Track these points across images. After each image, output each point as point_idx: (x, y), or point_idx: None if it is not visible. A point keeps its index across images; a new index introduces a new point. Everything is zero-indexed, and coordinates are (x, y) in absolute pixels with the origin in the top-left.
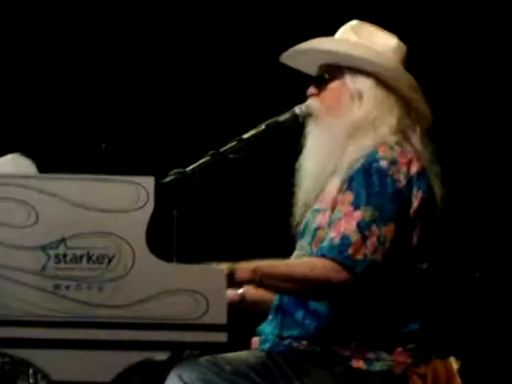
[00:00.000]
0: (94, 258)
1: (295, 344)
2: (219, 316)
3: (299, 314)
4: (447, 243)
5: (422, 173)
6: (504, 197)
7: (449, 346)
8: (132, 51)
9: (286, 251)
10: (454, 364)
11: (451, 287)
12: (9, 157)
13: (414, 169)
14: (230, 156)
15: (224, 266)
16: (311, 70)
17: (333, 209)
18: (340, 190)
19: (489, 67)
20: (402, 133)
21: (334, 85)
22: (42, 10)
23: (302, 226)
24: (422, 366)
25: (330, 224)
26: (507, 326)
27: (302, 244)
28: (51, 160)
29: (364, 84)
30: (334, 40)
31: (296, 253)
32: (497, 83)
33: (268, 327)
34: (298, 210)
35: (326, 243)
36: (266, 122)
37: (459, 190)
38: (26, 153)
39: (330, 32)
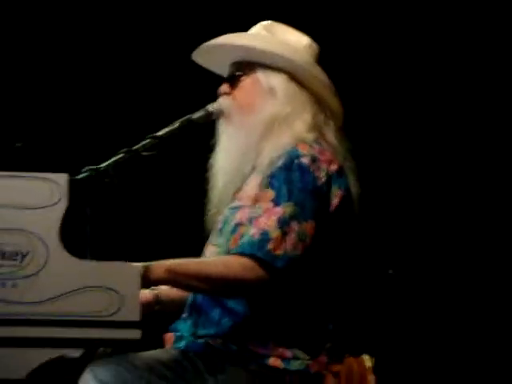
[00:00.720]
0: (7, 254)
1: (211, 342)
2: (133, 313)
3: (215, 313)
4: (363, 241)
5: (340, 171)
6: (416, 192)
7: (362, 344)
8: (45, 49)
9: (200, 249)
10: (368, 361)
11: (365, 284)
12: None
13: (334, 167)
14: (144, 153)
15: (138, 265)
16: (223, 69)
17: (253, 206)
18: (260, 187)
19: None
20: (317, 130)
21: (246, 82)
22: None
23: (219, 224)
24: (336, 364)
25: (249, 221)
26: (420, 322)
27: (220, 242)
28: None
29: (277, 80)
30: (247, 35)
31: (212, 250)
32: (403, 74)
33: (182, 325)
34: (212, 207)
35: (245, 240)
36: (180, 120)
37: (372, 187)
38: None
39: (241, 31)
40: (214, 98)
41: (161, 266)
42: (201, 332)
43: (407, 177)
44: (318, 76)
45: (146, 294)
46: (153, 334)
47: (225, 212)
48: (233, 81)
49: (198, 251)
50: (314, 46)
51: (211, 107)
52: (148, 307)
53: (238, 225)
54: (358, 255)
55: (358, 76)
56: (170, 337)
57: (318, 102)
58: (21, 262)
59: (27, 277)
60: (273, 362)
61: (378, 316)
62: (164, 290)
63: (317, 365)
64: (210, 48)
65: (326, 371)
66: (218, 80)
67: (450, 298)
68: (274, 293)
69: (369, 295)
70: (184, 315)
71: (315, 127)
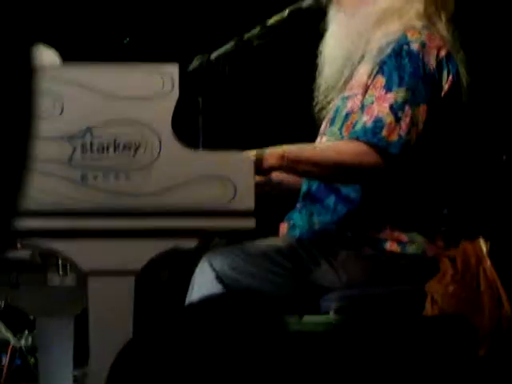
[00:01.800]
0: (120, 146)
1: (326, 229)
2: (247, 202)
3: (330, 200)
4: (474, 127)
5: (449, 57)
6: None
7: (478, 229)
8: None
9: (311, 137)
10: (483, 246)
11: (479, 170)
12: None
13: (443, 53)
14: (254, 42)
15: (252, 153)
16: None
17: (364, 94)
18: (371, 75)
19: None
20: (428, 19)
21: None
22: None
23: (331, 113)
24: (451, 248)
25: (361, 108)
26: None
27: (333, 130)
28: (74, 52)
29: None
30: None
31: (324, 140)
32: None
33: (297, 214)
34: (321, 95)
35: (358, 127)
36: (289, 8)
37: (483, 77)
38: (49, 43)
39: None
40: None
41: (275, 152)
42: (315, 220)
43: None
44: None
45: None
46: (267, 222)
47: (336, 101)
48: None
49: (309, 139)
50: None
51: None
52: (258, 188)
53: (350, 113)
54: (470, 141)
55: None
56: (284, 226)
57: None
58: (134, 153)
59: (141, 168)
60: (390, 246)
61: (492, 201)
62: (275, 172)
63: (433, 248)
64: None
65: (442, 255)
66: None
67: None
68: (389, 178)
69: (483, 181)
70: (298, 205)
71: (426, 16)
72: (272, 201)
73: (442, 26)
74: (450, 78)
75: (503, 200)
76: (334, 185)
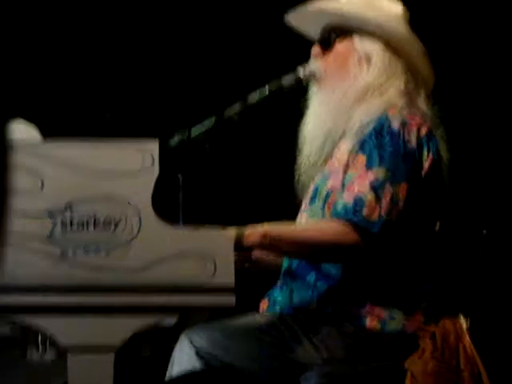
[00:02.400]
0: (100, 222)
1: (306, 305)
2: (227, 279)
3: (311, 277)
4: (455, 203)
5: (430, 135)
6: (506, 154)
7: (458, 305)
8: (129, 14)
9: (292, 215)
10: (463, 322)
11: (459, 245)
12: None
13: (424, 131)
14: (234, 119)
15: (232, 231)
16: (313, 31)
17: (345, 172)
18: (351, 153)
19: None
20: (408, 96)
21: (340, 46)
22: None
23: (311, 191)
24: (431, 325)
25: (342, 187)
26: None
27: (314, 208)
28: (54, 128)
29: (373, 47)
30: (343, 1)
31: (305, 217)
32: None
33: (277, 291)
34: (302, 172)
35: (339, 206)
36: (270, 85)
37: (462, 151)
38: (29, 119)
39: None
40: (301, 61)
41: (255, 231)
42: (296, 296)
43: (502, 139)
44: (414, 44)
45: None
46: (248, 299)
47: (316, 179)
48: (326, 44)
49: (289, 217)
50: (407, 13)
51: (302, 70)
52: (238, 264)
53: (331, 191)
54: (450, 217)
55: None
56: (264, 303)
57: (410, 69)
58: (114, 229)
59: (121, 244)
60: (370, 322)
61: (472, 276)
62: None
63: (413, 324)
64: (304, 11)
65: (422, 332)
66: (305, 44)
67: None
68: (370, 255)
69: (463, 256)
70: (278, 282)
71: (406, 94)
72: (252, 277)
73: (421, 102)
74: (431, 156)
75: (483, 275)
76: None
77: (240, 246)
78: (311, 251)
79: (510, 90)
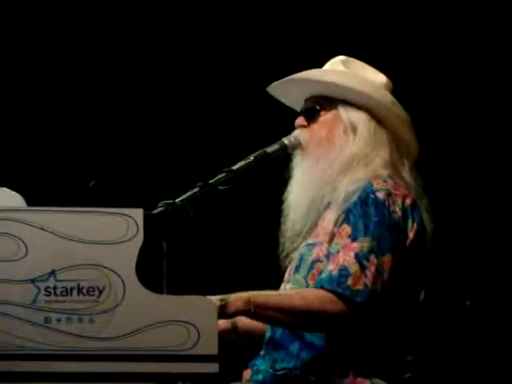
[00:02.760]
0: (84, 290)
1: (289, 374)
2: (210, 347)
3: (294, 347)
4: (438, 274)
5: (414, 206)
6: (491, 225)
7: (439, 376)
8: (114, 86)
9: (276, 283)
10: None
11: (443, 316)
12: None
13: (408, 201)
14: (219, 187)
15: (216, 298)
16: (296, 102)
17: (330, 242)
18: (337, 223)
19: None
20: (392, 166)
21: (325, 117)
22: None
23: (296, 260)
24: None
25: (327, 257)
26: (499, 353)
27: (297, 278)
28: (39, 196)
29: (358, 117)
30: (328, 71)
31: (289, 287)
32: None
33: (260, 361)
34: (286, 241)
35: (324, 276)
36: (255, 154)
37: (445, 220)
38: (13, 187)
39: (317, 65)
40: (286, 131)
41: (241, 297)
42: (279, 366)
43: (484, 209)
44: (399, 114)
45: (223, 321)
46: (231, 368)
47: (301, 248)
48: (311, 114)
49: (274, 285)
50: (390, 83)
51: (287, 140)
52: (224, 335)
53: (316, 261)
54: (434, 287)
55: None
56: (247, 373)
57: (394, 138)
58: (98, 297)
59: (104, 312)
60: None
61: (456, 347)
62: (242, 320)
63: None
64: (289, 82)
65: None
66: (289, 114)
67: None
68: (354, 325)
69: (446, 327)
70: (262, 352)
71: (391, 164)
72: (236, 347)
73: (405, 173)
74: (415, 226)
75: (467, 346)
76: (299, 331)
77: (224, 313)
78: (296, 319)
79: (490, 161)
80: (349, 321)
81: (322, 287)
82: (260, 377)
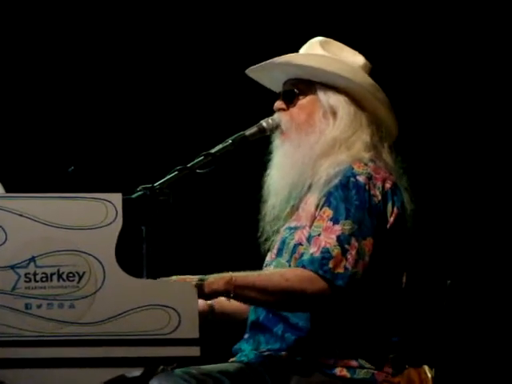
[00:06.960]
0: (64, 275)
1: (275, 355)
2: (191, 330)
3: (278, 329)
4: (419, 253)
5: (395, 189)
6: (471, 203)
7: (422, 355)
8: (92, 71)
9: (256, 266)
10: (428, 372)
11: (423, 296)
12: None
13: (388, 185)
14: (198, 171)
15: (194, 278)
16: (275, 85)
17: (311, 225)
18: (318, 206)
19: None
20: (373, 149)
21: (305, 100)
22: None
23: (278, 244)
24: (397, 375)
25: (308, 239)
26: (480, 333)
27: (280, 261)
28: (18, 182)
29: (338, 100)
30: (306, 55)
31: (272, 269)
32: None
33: (244, 344)
34: (266, 224)
35: (306, 257)
36: (233, 137)
37: (425, 200)
38: None
39: (295, 46)
40: (265, 113)
41: (219, 278)
42: (264, 347)
43: (466, 187)
44: (378, 96)
45: (201, 303)
46: (215, 353)
47: (282, 231)
48: (290, 98)
49: (254, 267)
50: (368, 64)
51: (265, 123)
52: (201, 316)
53: (298, 245)
54: (415, 268)
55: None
56: (232, 356)
57: (374, 121)
58: (78, 282)
59: (85, 297)
60: (339, 371)
61: (437, 327)
62: (220, 301)
63: (382, 375)
64: (268, 65)
65: (390, 381)
66: (267, 96)
67: (510, 307)
68: (336, 307)
69: (428, 306)
70: (246, 335)
71: (372, 146)
72: (214, 326)
73: (386, 155)
74: (395, 210)
75: (448, 326)
76: (283, 313)
77: (202, 293)
78: (276, 298)
79: (468, 139)
80: (328, 301)
81: (303, 266)
82: (244, 358)
